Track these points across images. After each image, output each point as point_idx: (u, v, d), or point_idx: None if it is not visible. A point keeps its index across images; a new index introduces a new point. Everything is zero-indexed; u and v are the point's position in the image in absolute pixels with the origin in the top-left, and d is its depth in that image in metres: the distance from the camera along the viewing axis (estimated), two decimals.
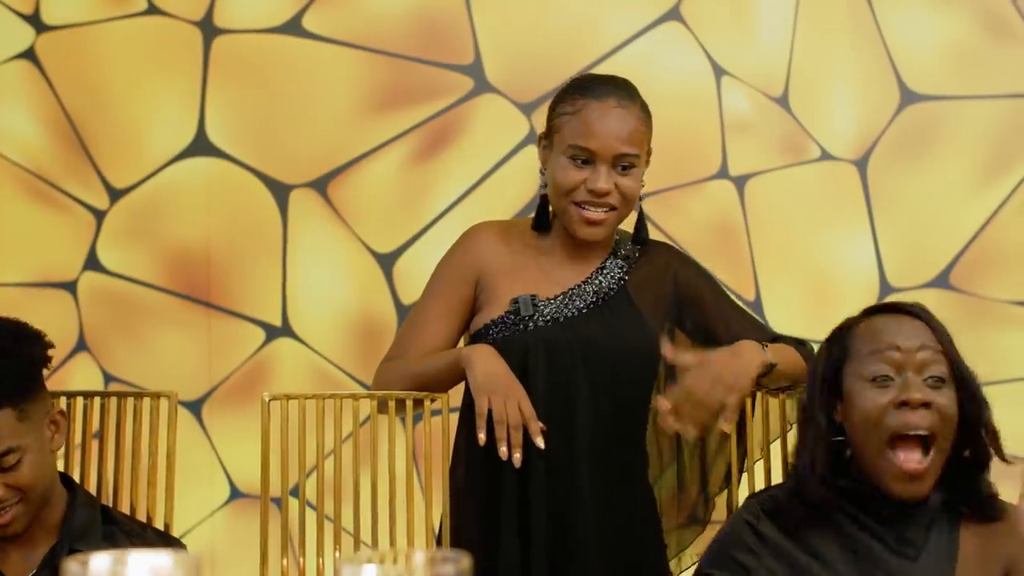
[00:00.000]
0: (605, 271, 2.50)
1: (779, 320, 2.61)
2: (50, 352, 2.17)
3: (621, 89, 2.44)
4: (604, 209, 2.41)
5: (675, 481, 2.55)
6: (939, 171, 3.56)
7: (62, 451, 2.32)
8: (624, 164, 2.40)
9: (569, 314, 2.45)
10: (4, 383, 2.05)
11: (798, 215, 3.58)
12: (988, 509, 2.00)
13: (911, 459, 1.94)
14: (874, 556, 1.97)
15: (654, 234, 2.58)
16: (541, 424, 2.32)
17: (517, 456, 2.30)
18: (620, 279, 2.49)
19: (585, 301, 2.46)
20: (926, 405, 1.94)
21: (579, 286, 2.47)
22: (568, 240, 2.49)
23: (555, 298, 2.46)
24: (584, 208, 2.40)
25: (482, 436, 2.30)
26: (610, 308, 2.47)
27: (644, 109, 2.45)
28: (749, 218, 3.57)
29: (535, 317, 2.43)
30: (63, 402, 2.42)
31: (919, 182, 3.56)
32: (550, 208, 2.49)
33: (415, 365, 2.46)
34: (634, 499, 2.45)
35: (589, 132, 2.39)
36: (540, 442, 2.31)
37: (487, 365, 2.36)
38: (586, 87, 2.45)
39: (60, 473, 2.22)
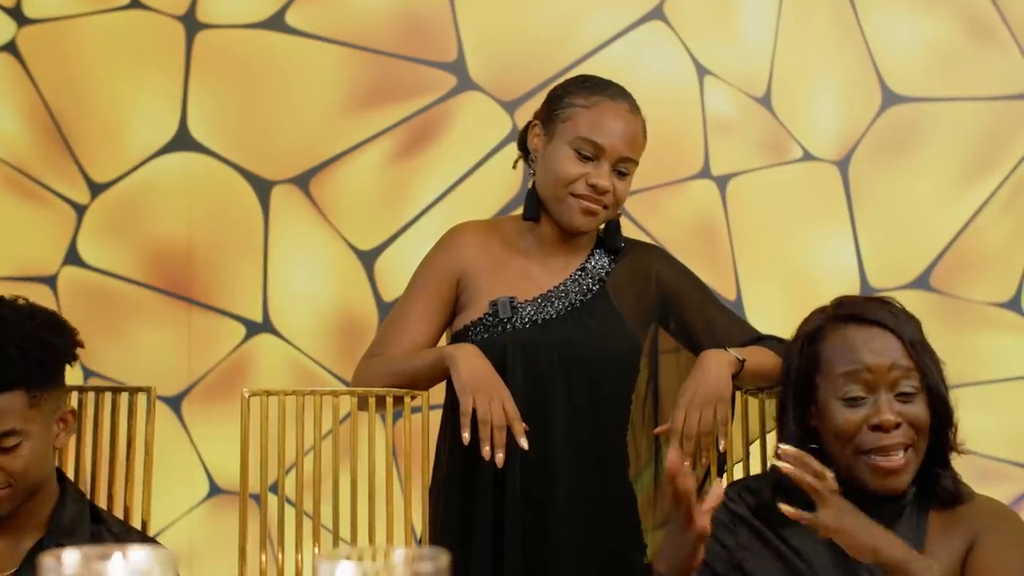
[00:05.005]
0: (587, 269, 2.50)
1: (760, 320, 2.61)
2: (78, 351, 2.17)
3: (631, 98, 2.49)
4: (599, 205, 2.42)
5: (652, 481, 2.55)
6: (920, 172, 3.57)
7: None
8: (622, 169, 2.43)
9: (547, 316, 2.45)
10: (23, 366, 2.05)
11: (780, 215, 3.59)
12: (952, 497, 2.04)
13: (890, 461, 1.98)
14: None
15: (636, 233, 2.58)
16: (524, 425, 2.32)
17: (500, 456, 2.30)
18: (600, 279, 2.49)
19: (564, 302, 2.47)
20: (898, 426, 1.98)
21: (558, 287, 2.48)
22: (550, 240, 2.50)
23: (534, 300, 2.46)
24: (581, 201, 2.42)
25: (466, 435, 2.30)
26: (588, 309, 2.47)
27: (644, 123, 2.49)
28: (731, 218, 3.58)
29: (513, 319, 2.43)
30: None
31: (900, 183, 3.57)
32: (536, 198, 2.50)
33: (397, 363, 2.46)
34: (612, 499, 2.45)
35: (601, 128, 2.41)
36: (524, 443, 2.31)
37: (472, 364, 2.35)
38: (599, 86, 2.47)
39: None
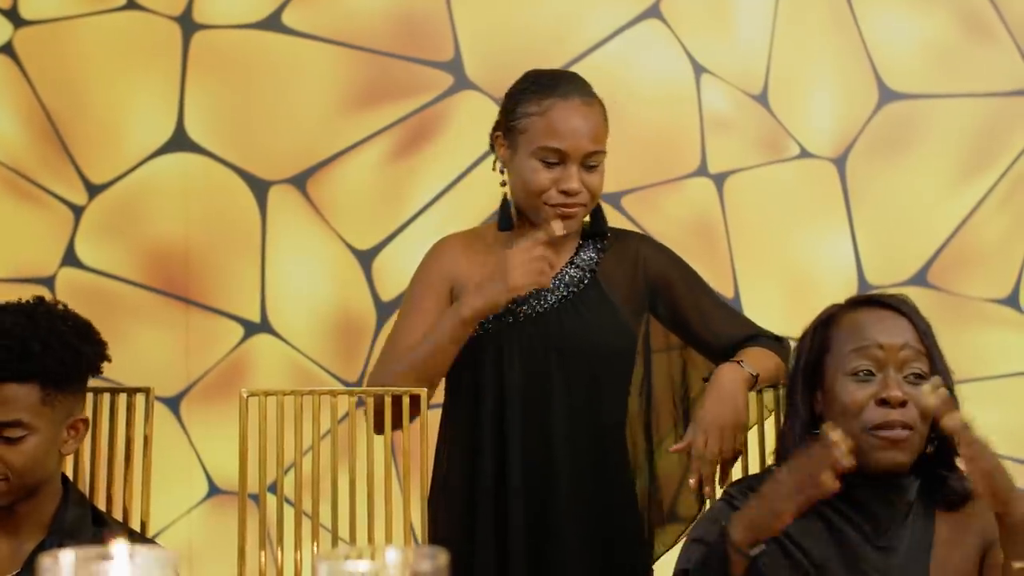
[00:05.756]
0: (576, 262, 2.49)
1: (758, 318, 2.61)
2: (103, 364, 2.19)
3: (582, 86, 2.45)
4: (575, 208, 2.41)
5: (649, 480, 2.55)
6: (917, 169, 3.57)
7: None
8: (591, 163, 2.41)
9: (542, 309, 2.45)
10: (43, 361, 2.06)
11: (777, 213, 3.59)
12: (960, 495, 2.04)
13: (893, 433, 1.98)
14: (851, 545, 1.99)
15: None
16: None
17: (559, 223, 2.35)
18: (591, 270, 2.49)
19: (557, 296, 2.46)
20: (904, 404, 1.98)
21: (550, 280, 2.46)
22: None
23: (527, 295, 2.45)
24: (557, 208, 2.40)
25: (558, 224, 2.35)
26: (582, 300, 2.47)
27: (601, 104, 2.45)
28: (728, 216, 3.58)
29: (508, 316, 2.43)
30: None
31: (897, 180, 3.57)
32: (512, 207, 2.48)
33: (408, 357, 2.42)
34: (613, 492, 2.45)
35: (559, 133, 2.38)
36: (559, 227, 2.35)
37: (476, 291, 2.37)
38: (548, 85, 2.44)
39: None
